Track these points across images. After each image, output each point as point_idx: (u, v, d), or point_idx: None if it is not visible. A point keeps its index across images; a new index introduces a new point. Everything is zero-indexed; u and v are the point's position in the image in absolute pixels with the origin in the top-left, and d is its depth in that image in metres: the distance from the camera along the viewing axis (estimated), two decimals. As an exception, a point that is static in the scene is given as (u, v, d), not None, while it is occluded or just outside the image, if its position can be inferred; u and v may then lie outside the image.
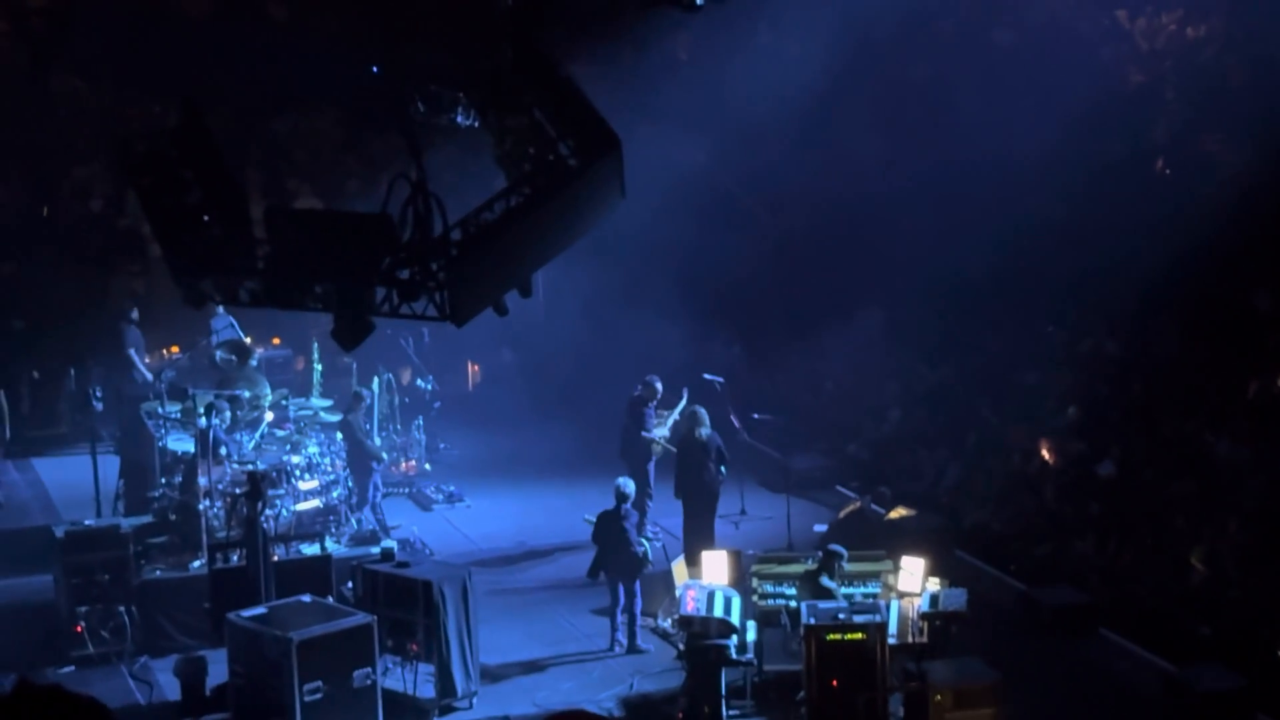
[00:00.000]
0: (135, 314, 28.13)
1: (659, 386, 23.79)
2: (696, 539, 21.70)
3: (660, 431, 23.68)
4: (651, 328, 28.32)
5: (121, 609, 19.51)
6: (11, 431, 28.31)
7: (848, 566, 18.47)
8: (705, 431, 22.38)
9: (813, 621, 16.84)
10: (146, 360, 27.93)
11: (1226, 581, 19.76)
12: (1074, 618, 20.24)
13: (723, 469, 22.46)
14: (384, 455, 24.07)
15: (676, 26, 29.29)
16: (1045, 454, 23.53)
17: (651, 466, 23.55)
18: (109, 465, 23.73)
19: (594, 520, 20.37)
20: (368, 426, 24.02)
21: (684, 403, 23.83)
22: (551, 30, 15.62)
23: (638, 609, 19.93)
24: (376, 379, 25.37)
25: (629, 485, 20.45)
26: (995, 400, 25.54)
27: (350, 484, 22.58)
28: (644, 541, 20.28)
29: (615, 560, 19.91)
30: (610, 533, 20.02)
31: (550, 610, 21.43)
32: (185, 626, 19.79)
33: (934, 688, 16.79)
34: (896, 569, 18.63)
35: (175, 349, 28.46)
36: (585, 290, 28.87)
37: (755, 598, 18.75)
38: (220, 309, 25.49)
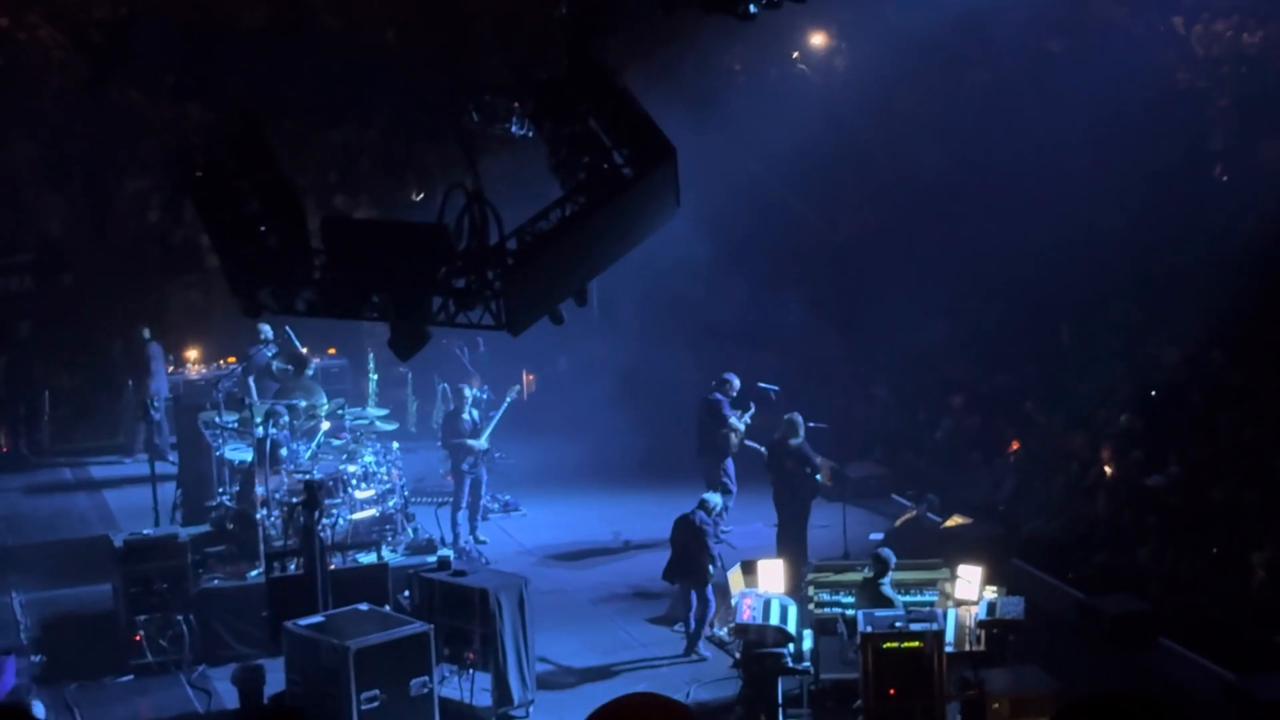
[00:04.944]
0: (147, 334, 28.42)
1: (736, 383, 23.77)
2: (787, 545, 21.71)
3: (736, 423, 23.58)
4: (706, 336, 28.26)
5: (180, 618, 19.58)
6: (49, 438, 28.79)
7: (905, 574, 18.44)
8: (797, 440, 22.30)
9: (869, 629, 16.79)
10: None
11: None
12: (1133, 626, 20.07)
13: (817, 476, 22.39)
14: (479, 443, 23.63)
15: (731, 36, 29.25)
16: (1104, 462, 23.39)
17: (731, 464, 23.49)
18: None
19: None
20: (470, 423, 23.79)
21: (753, 410, 23.82)
22: (606, 39, 15.59)
23: (709, 614, 19.86)
24: (466, 387, 24.88)
25: (715, 499, 20.39)
26: (1052, 408, 25.41)
27: (406, 492, 22.59)
28: (719, 559, 20.17)
29: (687, 566, 19.87)
30: (685, 538, 19.98)
31: (606, 618, 21.43)
32: (243, 635, 19.85)
33: (992, 696, 16.73)
34: (953, 577, 18.57)
35: (232, 359, 28.53)
36: (640, 300, 28.83)
37: (811, 606, 18.70)
38: (265, 337, 25.48)
